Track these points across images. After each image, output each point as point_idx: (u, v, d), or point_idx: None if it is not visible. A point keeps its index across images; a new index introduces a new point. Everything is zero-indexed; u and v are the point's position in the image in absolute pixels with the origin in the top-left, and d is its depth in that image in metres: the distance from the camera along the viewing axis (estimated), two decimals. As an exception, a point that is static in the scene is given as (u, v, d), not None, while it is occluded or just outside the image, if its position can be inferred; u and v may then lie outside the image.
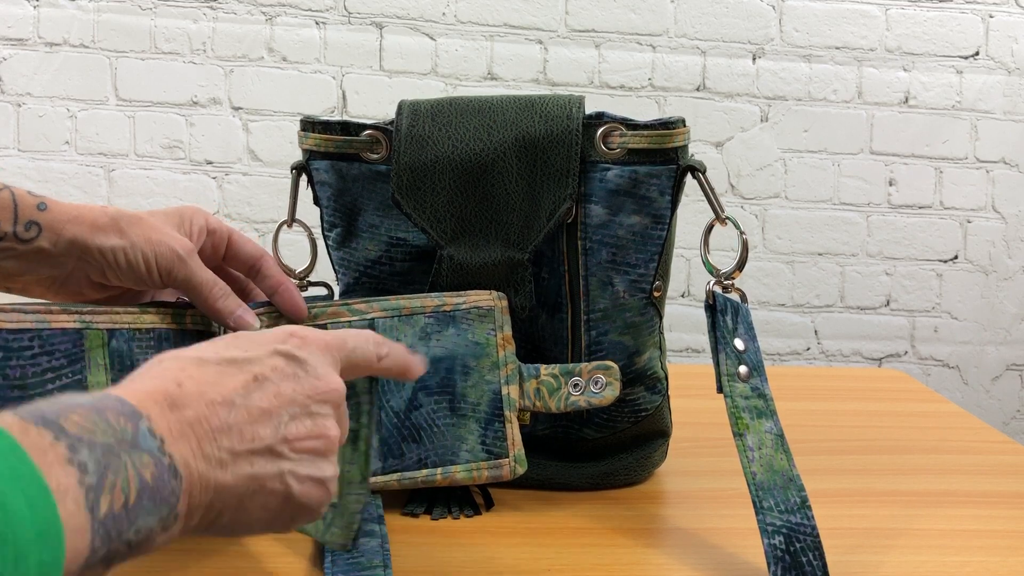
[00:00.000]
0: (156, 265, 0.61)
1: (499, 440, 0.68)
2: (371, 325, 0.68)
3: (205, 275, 0.63)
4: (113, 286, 0.63)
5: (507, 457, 0.68)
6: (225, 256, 0.68)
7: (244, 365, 0.44)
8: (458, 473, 0.68)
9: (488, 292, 0.70)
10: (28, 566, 0.31)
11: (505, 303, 0.70)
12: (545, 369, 0.70)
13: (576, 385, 0.69)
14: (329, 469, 0.45)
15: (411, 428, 0.68)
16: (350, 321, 0.68)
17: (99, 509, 0.35)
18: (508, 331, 0.70)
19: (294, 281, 0.71)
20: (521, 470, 0.68)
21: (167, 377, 0.42)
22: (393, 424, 0.68)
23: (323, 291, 0.73)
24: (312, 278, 0.73)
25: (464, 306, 0.69)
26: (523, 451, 0.69)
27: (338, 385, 0.46)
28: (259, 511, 0.43)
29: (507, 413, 0.69)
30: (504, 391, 0.69)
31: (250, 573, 0.59)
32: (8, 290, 0.62)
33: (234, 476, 0.41)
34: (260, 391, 0.43)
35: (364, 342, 0.50)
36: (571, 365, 0.70)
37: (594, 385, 0.69)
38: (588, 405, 0.70)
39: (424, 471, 0.68)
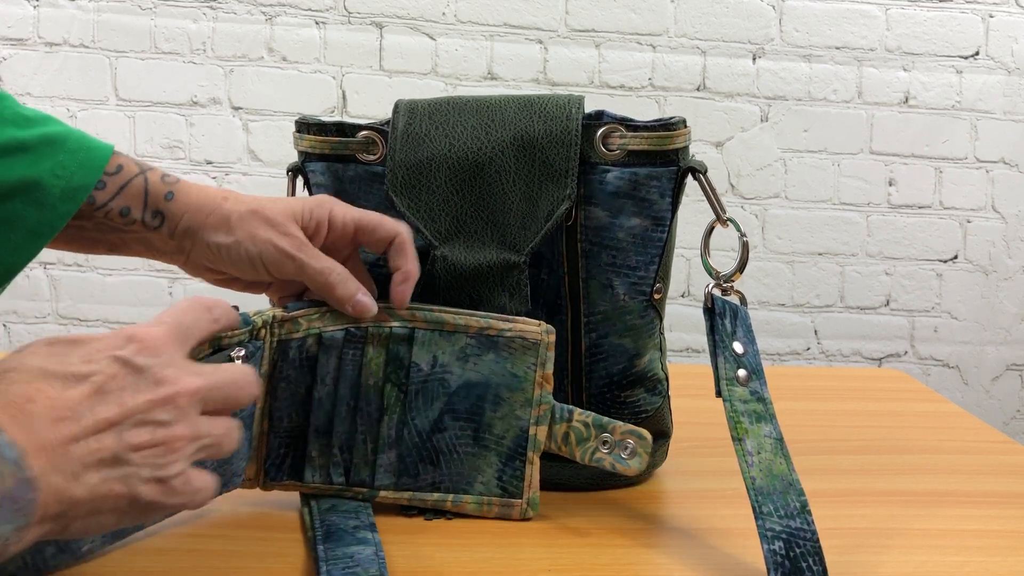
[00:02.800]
0: (263, 263, 0.62)
1: (516, 479, 0.67)
2: (411, 335, 0.66)
3: (318, 264, 0.63)
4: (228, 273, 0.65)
5: (521, 498, 0.67)
6: (358, 241, 0.67)
7: (86, 378, 0.45)
8: (469, 504, 0.67)
9: (537, 323, 0.67)
10: None
11: (552, 338, 0.67)
12: (579, 415, 0.67)
13: (605, 443, 0.67)
14: (174, 467, 0.47)
15: (431, 450, 0.67)
16: (392, 327, 0.66)
17: None
18: (550, 369, 0.67)
19: None
20: (532, 513, 0.67)
21: (17, 392, 0.43)
22: (415, 443, 0.66)
23: None
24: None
25: (509, 333, 0.67)
26: (538, 495, 0.67)
27: (181, 384, 0.47)
28: (108, 514, 0.45)
29: (530, 454, 0.67)
30: (532, 431, 0.67)
31: None
32: (133, 256, 0.66)
33: (84, 487, 0.43)
34: (103, 403, 0.45)
35: (196, 317, 0.53)
36: (605, 420, 0.67)
37: (623, 450, 0.67)
38: (612, 468, 0.67)
39: (436, 495, 0.67)
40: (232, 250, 0.63)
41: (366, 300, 0.64)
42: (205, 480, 0.49)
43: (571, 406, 0.68)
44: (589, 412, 0.68)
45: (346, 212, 0.66)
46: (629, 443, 0.67)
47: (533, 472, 0.67)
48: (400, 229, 0.67)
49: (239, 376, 0.52)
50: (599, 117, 0.70)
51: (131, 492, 0.45)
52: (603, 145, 0.70)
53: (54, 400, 0.43)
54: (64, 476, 0.42)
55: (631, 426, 0.67)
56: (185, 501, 0.48)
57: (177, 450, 0.47)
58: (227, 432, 0.50)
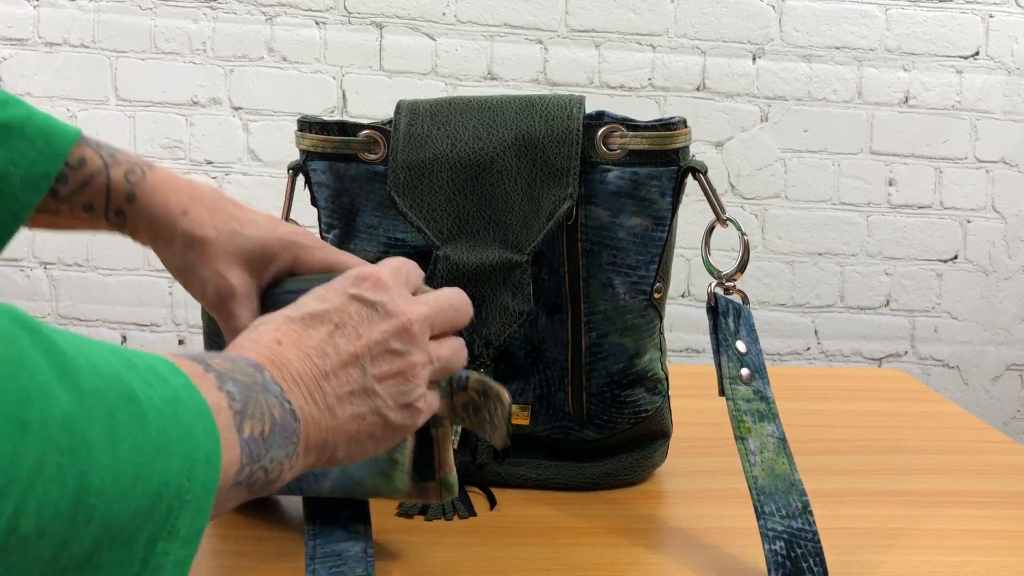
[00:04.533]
0: (201, 294, 0.60)
1: (427, 461, 0.60)
2: None
3: (234, 324, 0.59)
4: None
5: (433, 480, 0.59)
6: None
7: (325, 317, 0.48)
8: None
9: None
10: (196, 460, 0.37)
11: None
12: (473, 380, 0.57)
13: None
14: (416, 392, 0.50)
15: None
16: None
17: (243, 431, 0.41)
18: None
19: None
20: (448, 496, 0.59)
21: (267, 338, 0.47)
22: None
23: None
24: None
25: None
26: (453, 475, 0.59)
27: (412, 313, 0.50)
28: (367, 441, 0.49)
29: (433, 432, 0.59)
30: None
31: None
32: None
33: (339, 417, 0.47)
34: (344, 337, 0.48)
35: (408, 268, 0.55)
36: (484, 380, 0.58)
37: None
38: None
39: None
40: (180, 274, 0.61)
41: None
42: (437, 398, 0.54)
43: (468, 371, 0.58)
44: (480, 374, 0.58)
45: (312, 259, 0.61)
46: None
47: (442, 453, 0.59)
48: (342, 264, 0.63)
49: (456, 299, 0.54)
50: (600, 117, 0.70)
51: (383, 419, 0.49)
52: (604, 145, 0.70)
53: (299, 341, 0.47)
54: (320, 408, 0.46)
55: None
56: (427, 417, 0.52)
57: (416, 376, 0.50)
58: (455, 352, 0.54)
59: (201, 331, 0.77)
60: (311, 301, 0.50)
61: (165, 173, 0.62)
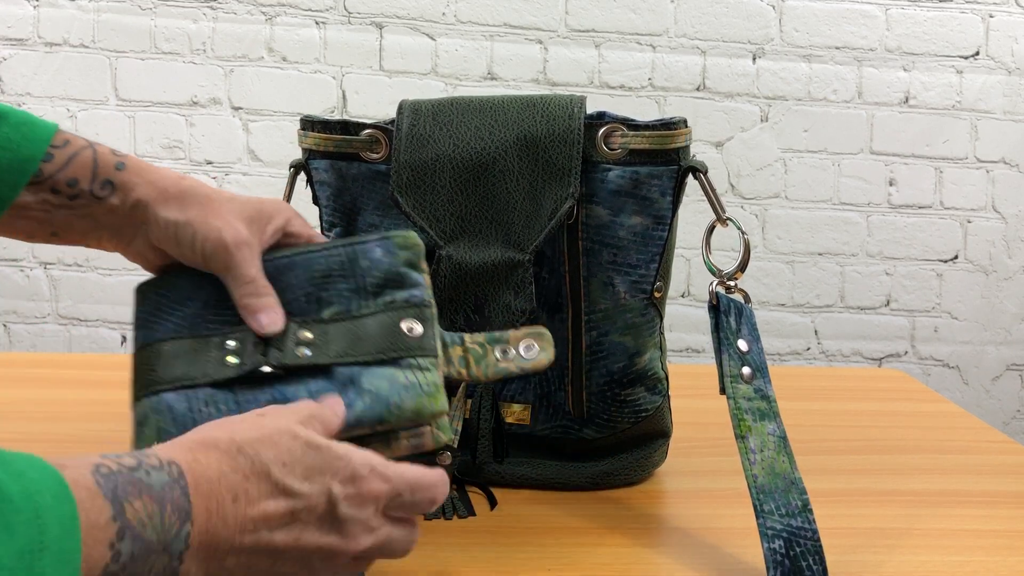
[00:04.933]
0: (202, 248, 0.60)
1: None
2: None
3: (245, 271, 0.60)
4: (172, 256, 0.63)
5: (430, 424, 0.59)
6: None
7: (292, 498, 0.46)
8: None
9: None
10: None
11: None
12: (470, 338, 0.62)
13: (505, 352, 0.62)
14: None
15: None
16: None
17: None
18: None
19: None
20: (444, 438, 0.59)
21: (233, 483, 0.44)
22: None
23: None
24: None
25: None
26: (447, 421, 0.60)
27: (358, 548, 0.48)
28: None
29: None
30: None
31: None
32: (75, 243, 0.63)
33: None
34: (286, 529, 0.46)
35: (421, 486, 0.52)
36: (498, 333, 0.63)
37: (525, 351, 0.62)
38: (519, 370, 0.62)
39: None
40: (182, 229, 0.60)
41: (263, 319, 0.59)
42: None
43: (462, 333, 0.62)
44: (482, 333, 0.62)
45: (303, 225, 0.64)
46: (531, 344, 0.62)
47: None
48: None
49: (426, 490, 0.52)
50: (600, 117, 0.70)
51: None
52: (605, 144, 0.70)
53: (252, 506, 0.45)
54: (201, 570, 0.44)
55: (528, 328, 0.63)
56: None
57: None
58: (401, 541, 0.52)
59: None
60: (300, 470, 0.47)
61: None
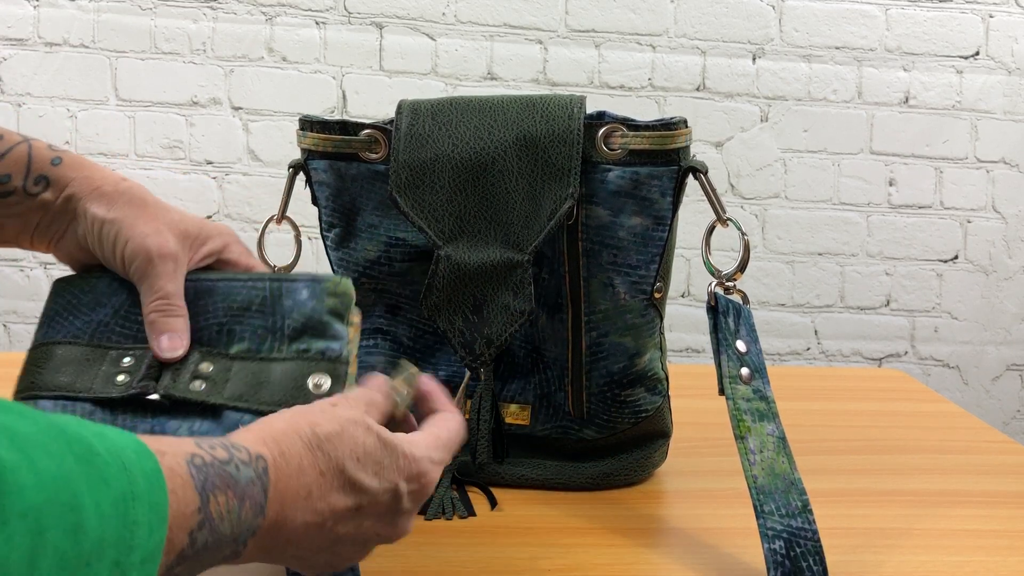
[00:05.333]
0: (123, 251, 0.56)
1: None
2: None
3: (161, 284, 0.56)
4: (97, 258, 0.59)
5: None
6: None
7: (363, 493, 0.47)
8: None
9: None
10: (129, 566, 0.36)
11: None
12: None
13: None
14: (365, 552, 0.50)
15: None
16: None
17: (173, 571, 0.40)
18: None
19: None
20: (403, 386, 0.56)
21: (308, 481, 0.45)
22: None
23: None
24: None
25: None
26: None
27: (404, 534, 0.51)
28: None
29: None
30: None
31: None
32: (6, 244, 0.60)
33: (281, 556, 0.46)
34: (349, 521, 0.47)
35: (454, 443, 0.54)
36: (399, 381, 0.57)
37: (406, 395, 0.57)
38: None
39: None
40: (107, 227, 0.56)
41: (164, 343, 0.55)
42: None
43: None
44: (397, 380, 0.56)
45: (243, 254, 0.61)
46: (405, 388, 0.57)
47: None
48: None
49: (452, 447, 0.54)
50: (600, 117, 0.70)
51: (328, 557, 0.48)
52: (605, 144, 0.70)
53: (322, 500, 0.46)
54: (263, 555, 0.45)
55: (400, 372, 0.57)
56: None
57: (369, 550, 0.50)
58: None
59: None
60: (371, 466, 0.48)
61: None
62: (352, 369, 0.56)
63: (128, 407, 0.52)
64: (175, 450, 0.40)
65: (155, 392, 0.52)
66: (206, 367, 0.54)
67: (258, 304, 0.56)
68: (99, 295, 0.57)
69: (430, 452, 0.51)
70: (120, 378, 0.53)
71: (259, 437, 0.45)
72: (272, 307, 0.56)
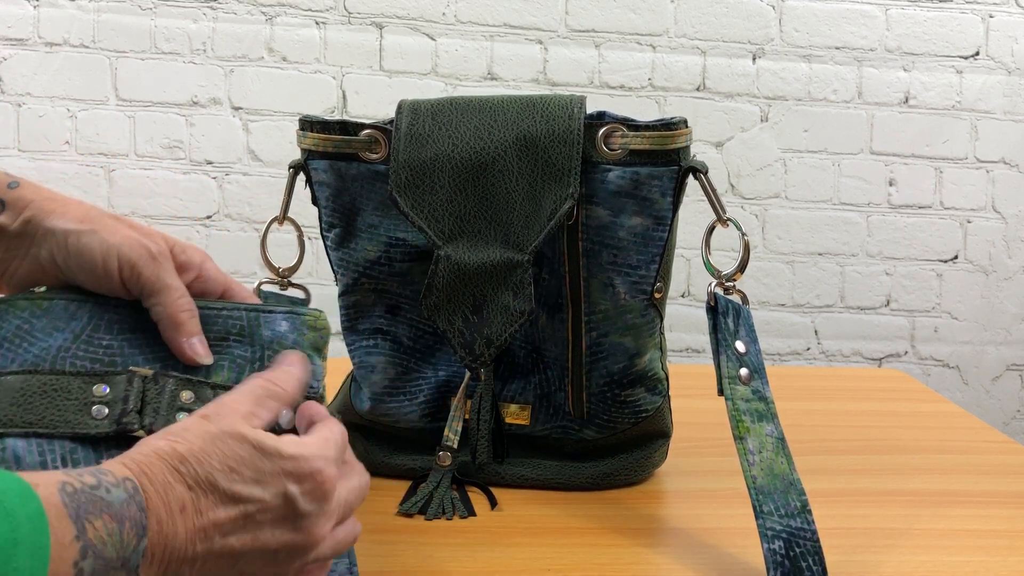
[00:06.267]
0: (118, 259, 0.53)
1: None
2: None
3: (177, 284, 0.54)
4: (71, 282, 0.55)
5: None
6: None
7: (243, 503, 0.45)
8: None
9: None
10: None
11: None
12: None
13: None
14: None
15: None
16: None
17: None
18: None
19: (276, 279, 0.72)
20: None
21: (178, 494, 0.43)
22: None
23: (300, 294, 0.72)
24: (311, 278, 0.73)
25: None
26: None
27: (322, 538, 0.48)
28: None
29: None
30: None
31: None
32: None
33: None
34: (241, 532, 0.45)
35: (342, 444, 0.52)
36: None
37: None
38: None
39: None
40: (83, 239, 0.53)
41: (199, 348, 0.54)
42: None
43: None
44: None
45: (218, 272, 0.59)
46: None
47: None
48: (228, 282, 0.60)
49: (365, 486, 0.52)
50: (600, 117, 0.70)
51: None
52: (605, 144, 0.70)
53: (201, 515, 0.44)
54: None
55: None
56: None
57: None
58: (347, 537, 0.51)
59: None
60: (249, 473, 0.45)
61: None
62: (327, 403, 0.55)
63: (112, 443, 0.50)
64: (46, 480, 0.39)
65: (141, 428, 0.50)
66: (188, 397, 0.52)
67: (235, 334, 0.55)
68: (55, 319, 0.53)
69: (322, 450, 0.48)
70: (98, 410, 0.50)
71: (120, 462, 0.44)
72: (251, 337, 0.55)
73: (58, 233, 0.53)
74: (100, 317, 0.54)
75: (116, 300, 0.55)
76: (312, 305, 0.62)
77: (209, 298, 0.57)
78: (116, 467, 0.43)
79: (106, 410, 0.50)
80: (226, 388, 0.52)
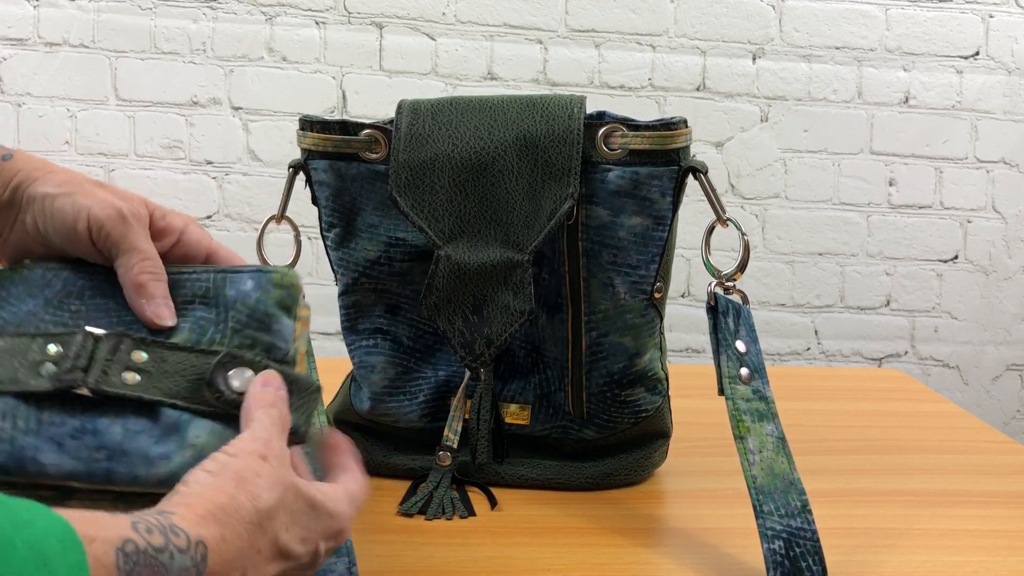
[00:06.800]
0: (88, 218, 0.52)
1: None
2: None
3: (144, 246, 0.53)
4: (55, 250, 0.55)
5: None
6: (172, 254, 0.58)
7: (287, 560, 0.46)
8: None
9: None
10: None
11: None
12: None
13: None
14: None
15: None
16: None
17: None
18: None
19: None
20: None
21: (249, 557, 0.44)
22: None
23: None
24: (311, 278, 0.73)
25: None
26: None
27: (317, 567, 0.50)
28: None
29: None
30: None
31: None
32: None
33: None
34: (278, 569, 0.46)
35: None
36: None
37: None
38: None
39: None
40: (59, 201, 0.52)
41: (163, 311, 0.53)
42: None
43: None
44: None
45: (203, 236, 0.58)
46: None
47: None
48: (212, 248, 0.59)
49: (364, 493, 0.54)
50: (600, 117, 0.70)
51: None
52: (605, 144, 0.70)
53: (253, 571, 0.44)
54: None
55: None
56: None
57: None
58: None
59: None
60: (298, 532, 0.47)
61: None
62: (300, 367, 0.54)
63: (55, 402, 0.48)
64: (106, 535, 0.38)
65: (84, 385, 0.48)
66: (139, 357, 0.50)
67: (201, 296, 0.53)
68: (31, 286, 0.53)
69: (350, 508, 0.51)
70: (46, 368, 0.48)
71: (199, 516, 0.42)
72: (215, 298, 0.53)
73: (38, 198, 0.53)
74: (74, 284, 0.53)
75: (94, 268, 0.54)
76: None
77: (193, 263, 0.56)
78: (193, 523, 0.42)
79: (53, 368, 0.48)
80: (185, 350, 0.51)
